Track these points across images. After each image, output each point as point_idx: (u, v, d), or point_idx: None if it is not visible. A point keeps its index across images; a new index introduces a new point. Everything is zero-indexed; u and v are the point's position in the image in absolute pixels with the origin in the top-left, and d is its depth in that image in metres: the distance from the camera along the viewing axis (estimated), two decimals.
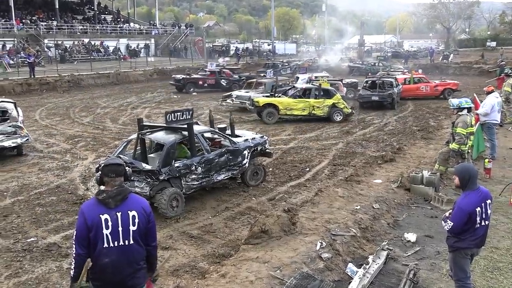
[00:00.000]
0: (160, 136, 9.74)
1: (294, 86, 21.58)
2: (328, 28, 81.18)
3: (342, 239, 6.91)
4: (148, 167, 9.08)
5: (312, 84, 21.36)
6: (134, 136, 10.13)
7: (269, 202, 9.97)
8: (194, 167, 9.53)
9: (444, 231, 5.33)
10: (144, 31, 57.26)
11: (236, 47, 60.88)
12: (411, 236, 7.42)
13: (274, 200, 10.08)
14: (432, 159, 11.41)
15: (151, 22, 63.61)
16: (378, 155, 13.04)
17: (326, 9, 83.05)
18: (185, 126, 9.67)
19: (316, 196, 8.81)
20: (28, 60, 32.03)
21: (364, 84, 23.78)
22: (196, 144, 9.77)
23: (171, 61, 44.13)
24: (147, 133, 9.93)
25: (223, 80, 29.55)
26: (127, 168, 4.20)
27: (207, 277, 6.04)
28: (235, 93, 22.75)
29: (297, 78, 27.03)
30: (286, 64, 43.51)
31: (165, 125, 9.99)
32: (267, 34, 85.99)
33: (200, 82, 29.60)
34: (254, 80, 24.37)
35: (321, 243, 6.60)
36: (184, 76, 30.34)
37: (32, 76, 30.23)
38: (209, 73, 30.66)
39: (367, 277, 6.05)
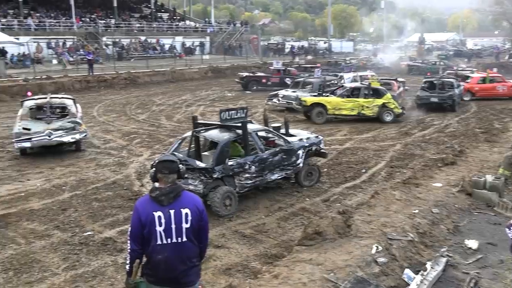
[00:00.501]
0: (214, 134, 9.80)
1: (342, 86, 21.21)
2: (387, 25, 79.53)
3: (399, 243, 6.72)
4: (202, 164, 9.15)
5: (361, 84, 20.75)
6: (189, 134, 10.24)
7: (323, 203, 9.84)
8: (247, 166, 9.52)
9: (508, 238, 5.04)
10: (200, 29, 57.72)
11: (291, 45, 60.61)
12: (473, 243, 7.13)
13: (329, 202, 9.95)
14: (496, 163, 10.92)
15: (206, 20, 64.25)
16: (438, 157, 12.62)
17: (385, 6, 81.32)
18: (240, 124, 9.68)
19: (372, 198, 8.62)
20: (87, 57, 33.04)
21: (423, 85, 22.58)
22: (250, 143, 9.76)
23: (226, 59, 44.45)
24: (202, 131, 9.99)
25: (287, 79, 28.99)
26: (180, 165, 4.22)
27: (259, 277, 6.01)
28: (281, 92, 22.17)
29: (342, 77, 26.21)
30: (349, 62, 43.06)
31: (219, 123, 10.01)
32: (323, 32, 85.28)
33: (264, 80, 29.37)
34: (301, 79, 23.74)
35: (377, 247, 6.45)
36: (247, 74, 30.37)
37: (91, 73, 31.16)
38: (275, 71, 30.30)
39: (425, 284, 5.86)
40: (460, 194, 9.11)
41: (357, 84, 20.68)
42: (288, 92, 21.81)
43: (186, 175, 8.68)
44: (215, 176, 9.03)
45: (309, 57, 51.48)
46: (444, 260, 6.40)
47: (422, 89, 22.30)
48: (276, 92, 22.56)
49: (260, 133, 10.36)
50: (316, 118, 18.68)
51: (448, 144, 15.03)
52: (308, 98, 19.21)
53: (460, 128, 17.70)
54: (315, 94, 20.21)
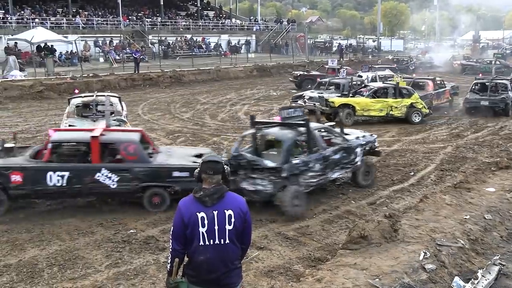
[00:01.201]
0: (277, 132, 9.87)
1: (366, 85, 20.46)
2: (439, 23, 77.68)
3: (448, 250, 6.46)
4: (271, 164, 9.12)
5: (388, 83, 20.16)
6: (250, 131, 10.25)
7: (369, 207, 9.64)
8: (312, 164, 9.47)
9: None
10: (246, 27, 57.77)
11: (339, 43, 59.99)
12: None
13: (375, 205, 9.74)
14: None
15: (252, 18, 64.40)
16: (492, 161, 12.16)
17: (438, 2, 79.39)
18: (303, 122, 9.73)
19: (420, 202, 8.33)
20: (134, 55, 33.50)
21: (473, 87, 20.90)
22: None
23: (272, 57, 44.37)
24: (264, 130, 10.06)
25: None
26: (226, 166, 4.15)
27: (302, 281, 5.92)
28: (307, 93, 20.92)
29: (360, 76, 25.25)
30: (413, 60, 42.50)
31: (279, 121, 10.10)
32: (373, 30, 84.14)
33: (318, 79, 29.06)
34: (327, 79, 22.52)
35: (425, 253, 6.22)
36: (301, 73, 30.09)
37: (137, 72, 31.56)
38: (330, 70, 29.90)
39: None
40: None
41: (385, 84, 20.01)
42: (314, 93, 20.61)
43: (254, 175, 9.10)
44: (283, 175, 8.98)
45: (389, 56, 49.48)
46: (496, 268, 6.13)
47: (472, 91, 20.77)
48: (301, 93, 21.64)
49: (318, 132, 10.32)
50: (345, 119, 17.69)
51: (503, 147, 14.48)
52: (336, 99, 18.48)
53: None
54: (339, 95, 19.49)
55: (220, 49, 48.68)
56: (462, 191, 8.90)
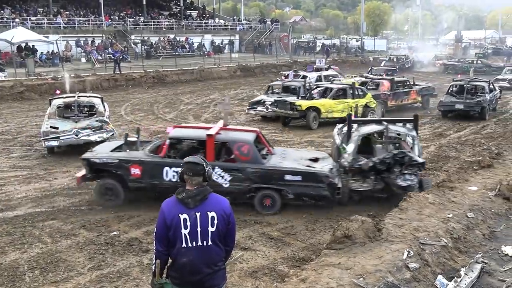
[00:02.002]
0: (395, 129, 10.47)
1: (318, 86, 19.91)
2: (422, 23, 78.36)
3: (432, 248, 6.49)
4: (420, 160, 9.68)
5: (344, 84, 19.89)
6: (366, 131, 10.53)
7: (353, 206, 9.63)
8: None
9: None
10: (229, 27, 57.71)
11: (323, 43, 60.20)
12: (509, 250, 6.85)
13: (359, 204, 9.73)
14: None
15: (234, 18, 64.29)
16: (474, 160, 12.28)
17: (420, 2, 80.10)
18: (412, 118, 10.38)
19: (404, 201, 8.36)
20: (113, 56, 33.17)
21: (450, 89, 20.05)
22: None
23: (255, 57, 44.33)
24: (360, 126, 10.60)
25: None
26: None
27: (287, 281, 5.89)
28: (265, 98, 19.57)
29: (305, 76, 24.60)
30: (409, 58, 42.96)
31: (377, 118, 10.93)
32: (356, 30, 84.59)
33: (272, 82, 28.70)
34: (279, 83, 21.60)
35: (409, 252, 6.24)
36: (289, 73, 29.86)
37: (118, 72, 31.20)
38: (317, 70, 29.58)
39: None
40: (497, 198, 8.76)
41: (343, 84, 19.57)
42: (272, 98, 19.28)
43: (406, 171, 9.50)
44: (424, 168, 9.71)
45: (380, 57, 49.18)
46: (479, 266, 6.16)
47: (449, 93, 19.82)
48: (259, 98, 20.04)
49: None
50: (312, 122, 17.45)
51: (485, 146, 14.61)
52: (303, 102, 17.82)
53: (498, 129, 17.22)
54: (297, 98, 18.79)
55: (204, 49, 48.50)
56: (445, 190, 8.95)
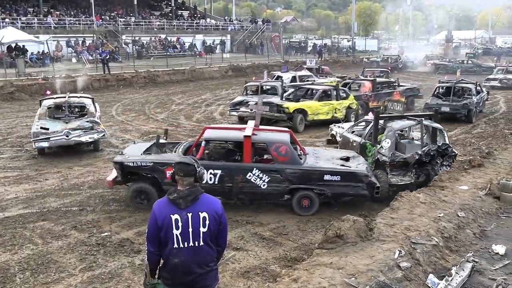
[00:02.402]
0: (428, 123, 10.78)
1: (300, 87, 19.43)
2: (413, 23, 78.64)
3: (423, 248, 6.50)
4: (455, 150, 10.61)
5: (328, 85, 19.65)
6: (402, 125, 10.83)
7: (344, 206, 9.66)
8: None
9: None
10: (221, 27, 57.70)
11: (314, 43, 60.29)
12: (500, 248, 6.86)
13: (351, 204, 9.77)
14: None
15: (226, 18, 64.22)
16: (465, 159, 12.26)
17: (411, 2, 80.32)
18: (431, 113, 11.05)
19: (395, 201, 8.38)
20: (99, 56, 32.85)
21: (437, 90, 19.48)
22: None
23: (247, 57, 44.28)
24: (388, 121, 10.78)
25: (321, 77, 28.44)
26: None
27: (278, 281, 5.87)
28: (248, 98, 18.82)
29: (280, 77, 24.16)
30: (401, 58, 43.03)
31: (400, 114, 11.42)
32: (347, 30, 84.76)
33: (248, 83, 28.37)
34: (256, 83, 20.65)
35: (400, 251, 6.25)
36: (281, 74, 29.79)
37: (107, 72, 30.95)
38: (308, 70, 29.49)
39: None
40: (488, 197, 8.81)
41: (328, 86, 19.20)
42: (254, 98, 18.05)
43: (444, 162, 10.17)
44: None
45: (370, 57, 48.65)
46: (470, 265, 6.17)
47: (435, 95, 19.31)
48: (241, 99, 19.16)
49: None
50: (298, 125, 16.95)
51: (475, 145, 14.68)
52: (290, 104, 17.23)
53: (488, 129, 17.31)
54: (280, 99, 18.12)
55: (195, 49, 48.39)
56: (435, 190, 8.99)
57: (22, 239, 8.03)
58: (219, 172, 9.00)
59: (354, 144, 11.19)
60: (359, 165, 9.57)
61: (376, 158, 10.07)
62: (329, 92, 18.15)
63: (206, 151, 9.55)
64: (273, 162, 9.22)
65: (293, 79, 24.11)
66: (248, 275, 6.81)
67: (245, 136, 9.15)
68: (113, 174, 9.63)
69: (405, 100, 20.52)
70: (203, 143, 9.34)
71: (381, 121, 10.94)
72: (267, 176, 9.05)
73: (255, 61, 42.34)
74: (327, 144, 13.48)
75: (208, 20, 59.20)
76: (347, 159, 9.91)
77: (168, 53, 43.05)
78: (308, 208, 9.18)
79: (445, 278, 5.82)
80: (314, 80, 23.70)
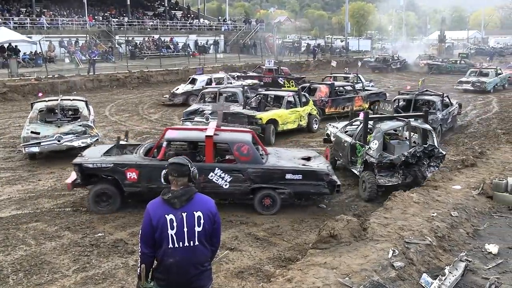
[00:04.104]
0: (416, 124, 10.83)
1: (258, 93, 17.74)
2: (406, 23, 78.83)
3: (417, 247, 6.53)
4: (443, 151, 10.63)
5: (288, 90, 18.81)
6: (390, 126, 10.79)
7: (338, 206, 9.70)
8: None
9: None
10: (214, 27, 57.47)
11: (308, 44, 60.33)
12: (493, 248, 6.90)
13: (345, 204, 9.81)
14: None
15: (219, 18, 64.12)
16: (458, 159, 12.35)
17: (404, 3, 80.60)
18: (421, 113, 10.94)
19: (389, 201, 8.41)
20: (88, 56, 32.45)
21: (396, 104, 15.98)
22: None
23: (240, 57, 44.20)
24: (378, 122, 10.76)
25: (280, 79, 28.21)
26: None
27: (272, 281, 5.89)
28: (203, 106, 17.16)
29: (195, 80, 23.57)
30: (396, 58, 42.89)
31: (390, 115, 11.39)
32: (340, 30, 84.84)
33: (256, 80, 27.67)
34: (215, 89, 19.10)
35: (394, 250, 6.27)
36: (239, 74, 29.22)
37: (92, 73, 30.51)
38: (266, 71, 29.38)
39: None
40: (481, 197, 8.86)
41: (291, 92, 17.69)
42: (209, 106, 16.67)
43: (430, 163, 10.08)
44: None
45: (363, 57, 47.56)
46: (463, 265, 6.20)
47: (394, 109, 14.78)
48: (197, 107, 17.34)
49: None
50: (271, 137, 15.09)
51: (468, 145, 14.72)
52: (263, 114, 15.28)
53: (481, 128, 17.35)
54: (242, 107, 16.44)
55: (188, 49, 48.25)
56: (429, 189, 9.03)
57: (15, 240, 8.00)
58: None
59: (345, 144, 11.26)
60: (320, 164, 9.68)
61: (365, 159, 10.16)
62: (293, 99, 16.62)
63: (168, 152, 9.51)
64: (235, 162, 9.24)
65: (209, 81, 23.33)
66: (242, 275, 6.81)
67: (207, 136, 9.16)
68: (72, 176, 9.48)
69: (369, 106, 19.98)
70: (164, 144, 9.29)
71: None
72: (229, 176, 9.08)
73: (249, 61, 42.27)
74: (324, 143, 13.53)
75: (201, 20, 59.02)
76: (308, 158, 9.99)
77: (161, 53, 42.86)
78: (270, 207, 9.21)
79: (438, 278, 5.84)
80: (230, 83, 23.17)
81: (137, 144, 10.92)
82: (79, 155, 9.84)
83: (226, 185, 9.11)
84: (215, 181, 9.01)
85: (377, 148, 10.05)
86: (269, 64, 30.78)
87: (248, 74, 29.25)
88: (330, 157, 11.87)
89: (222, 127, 10.03)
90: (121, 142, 10.46)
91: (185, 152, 9.80)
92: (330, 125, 13.94)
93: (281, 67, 30.84)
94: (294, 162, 9.67)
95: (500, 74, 29.20)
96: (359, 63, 33.93)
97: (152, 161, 9.24)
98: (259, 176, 9.10)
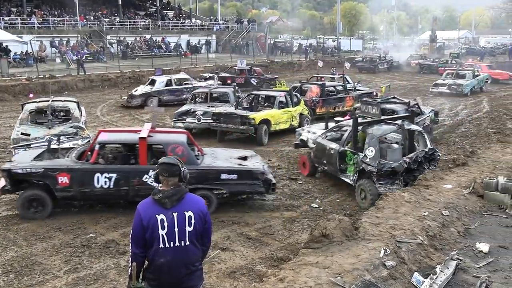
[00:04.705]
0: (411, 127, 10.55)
1: (250, 94, 17.59)
2: (398, 23, 79.10)
3: (408, 246, 6.57)
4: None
5: (279, 90, 18.63)
6: (383, 130, 10.26)
7: (330, 205, 9.71)
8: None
9: None
10: (206, 27, 57.36)
11: (300, 43, 60.40)
12: (484, 246, 6.95)
13: (336, 203, 9.81)
14: (509, 164, 10.72)
15: (211, 18, 64.04)
16: (449, 158, 12.42)
17: (396, 3, 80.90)
18: (408, 114, 10.91)
19: (380, 200, 8.44)
20: (76, 56, 32.21)
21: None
22: None
23: (232, 57, 44.13)
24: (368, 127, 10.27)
25: (253, 79, 28.16)
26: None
27: (265, 281, 5.89)
28: (194, 107, 16.99)
29: (154, 81, 23.20)
30: (383, 58, 42.85)
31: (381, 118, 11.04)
32: (332, 30, 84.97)
33: (229, 81, 27.44)
34: (205, 90, 18.67)
35: (385, 250, 6.30)
36: (211, 75, 28.87)
37: (82, 73, 30.30)
38: (239, 72, 29.18)
39: None
40: (471, 196, 8.91)
41: (282, 91, 17.64)
42: (201, 107, 16.82)
43: (430, 167, 9.93)
44: None
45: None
46: (454, 263, 6.24)
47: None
48: (188, 108, 17.05)
49: None
50: (263, 138, 15.08)
51: (459, 144, 14.81)
52: (256, 115, 15.18)
53: (471, 128, 17.46)
54: (234, 108, 16.21)
55: (180, 49, 48.15)
56: (420, 188, 9.05)
57: (6, 241, 7.95)
58: (114, 175, 8.85)
59: (332, 152, 10.65)
60: (256, 163, 9.63)
61: (361, 168, 9.74)
62: (285, 99, 16.53)
63: (102, 155, 9.32)
64: None
65: (169, 82, 23.06)
66: (234, 275, 6.80)
67: (141, 138, 8.95)
68: (1, 182, 9.11)
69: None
70: (97, 147, 9.06)
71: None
72: None
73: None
74: (296, 148, 13.21)
75: (193, 20, 58.92)
76: (244, 158, 9.95)
77: (153, 53, 42.73)
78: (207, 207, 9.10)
79: (430, 276, 5.88)
80: (192, 84, 23.10)
81: (70, 148, 10.60)
82: (9, 160, 9.58)
83: (161, 186, 8.88)
84: (150, 184, 8.69)
85: (374, 155, 9.61)
86: (241, 64, 30.30)
87: (220, 75, 28.68)
88: (309, 165, 11.58)
89: (157, 129, 9.79)
90: (53, 146, 10.11)
91: (119, 155, 9.61)
92: (303, 129, 13.35)
93: (254, 68, 30.42)
94: (230, 162, 9.61)
95: (477, 76, 27.86)
96: (346, 64, 33.71)
97: (84, 164, 8.99)
98: (194, 177, 8.82)
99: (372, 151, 9.64)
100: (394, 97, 15.58)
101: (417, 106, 14.88)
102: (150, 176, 8.80)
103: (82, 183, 8.86)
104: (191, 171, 8.59)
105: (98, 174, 8.83)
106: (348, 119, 12.14)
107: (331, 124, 12.37)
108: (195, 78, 26.77)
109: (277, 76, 30.78)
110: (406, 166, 9.59)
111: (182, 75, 25.39)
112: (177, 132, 10.17)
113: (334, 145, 10.73)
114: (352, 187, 10.24)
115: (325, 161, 10.94)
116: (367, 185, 9.57)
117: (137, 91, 22.92)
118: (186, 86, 23.22)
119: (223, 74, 29.44)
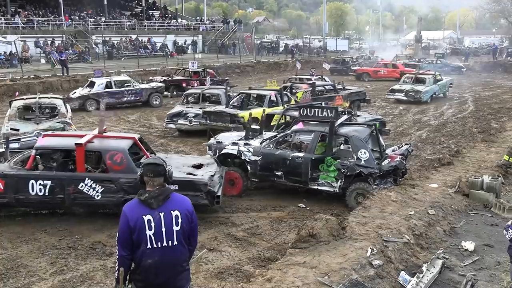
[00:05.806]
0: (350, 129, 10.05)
1: (240, 93, 17.46)
2: (383, 24, 79.57)
3: (395, 245, 6.62)
4: None
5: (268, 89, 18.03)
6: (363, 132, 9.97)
7: (317, 205, 9.72)
8: None
9: (506, 240, 5.04)
10: (192, 27, 57.25)
11: (286, 44, 60.52)
12: (469, 245, 7.04)
13: (324, 203, 9.82)
14: (493, 163, 10.84)
15: (197, 18, 63.91)
16: (435, 158, 12.52)
17: (381, 3, 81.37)
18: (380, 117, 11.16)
19: (367, 200, 8.48)
20: (60, 57, 31.58)
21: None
22: None
23: (219, 58, 44.05)
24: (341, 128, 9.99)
25: (207, 82, 26.68)
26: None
27: (252, 281, 5.90)
28: (186, 109, 16.75)
29: (93, 83, 22.24)
30: (355, 60, 42.86)
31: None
32: (318, 30, 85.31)
33: (184, 84, 26.92)
34: (198, 91, 18.38)
35: (372, 249, 6.34)
36: (165, 78, 27.83)
37: (65, 74, 29.79)
38: (193, 74, 28.35)
39: (421, 287, 5.80)
40: (457, 195, 9.00)
41: (272, 90, 17.03)
42: (193, 109, 16.61)
43: None
44: None
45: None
46: (440, 262, 6.32)
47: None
48: (180, 109, 16.84)
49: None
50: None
51: (444, 144, 14.92)
52: (246, 113, 14.83)
53: (457, 128, 17.59)
54: (225, 108, 16.04)
55: (166, 49, 47.99)
56: (406, 188, 9.11)
57: None
58: (49, 182, 8.48)
59: (299, 161, 9.75)
60: (207, 173, 8.98)
61: (358, 171, 9.36)
62: (275, 98, 16.21)
63: (39, 161, 8.88)
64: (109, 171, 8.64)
65: (108, 84, 22.11)
66: (221, 275, 6.79)
67: (77, 144, 8.54)
68: None
69: (349, 105, 19.22)
70: (33, 152, 8.73)
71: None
72: (100, 187, 8.47)
73: (227, 61, 42.16)
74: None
75: (179, 20, 58.76)
76: (199, 166, 9.39)
77: (139, 54, 42.49)
78: None
79: (416, 275, 5.94)
80: (134, 86, 22.67)
81: (19, 151, 10.25)
82: None
83: (98, 196, 8.50)
84: (86, 192, 8.44)
85: (369, 157, 9.33)
86: (193, 66, 29.51)
87: (174, 78, 27.98)
88: (242, 182, 10.36)
89: (106, 134, 9.35)
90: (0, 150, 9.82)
91: (57, 161, 9.20)
92: (215, 138, 11.57)
93: (207, 70, 29.72)
94: (180, 170, 8.91)
95: (439, 80, 25.28)
96: (325, 65, 33.53)
97: (20, 170, 8.62)
98: (133, 186, 8.16)
99: (365, 153, 9.37)
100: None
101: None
102: (86, 184, 8.46)
103: (16, 190, 8.48)
104: (129, 180, 8.26)
105: (32, 181, 8.47)
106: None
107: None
108: (144, 81, 26.13)
109: (227, 78, 30.42)
110: (404, 163, 9.72)
111: (123, 77, 24.32)
112: (123, 137, 9.49)
113: (299, 153, 9.88)
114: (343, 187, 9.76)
115: (281, 173, 9.97)
116: (365, 188, 9.30)
117: (75, 93, 22.01)
118: (128, 88, 22.42)
119: (176, 77, 28.36)
